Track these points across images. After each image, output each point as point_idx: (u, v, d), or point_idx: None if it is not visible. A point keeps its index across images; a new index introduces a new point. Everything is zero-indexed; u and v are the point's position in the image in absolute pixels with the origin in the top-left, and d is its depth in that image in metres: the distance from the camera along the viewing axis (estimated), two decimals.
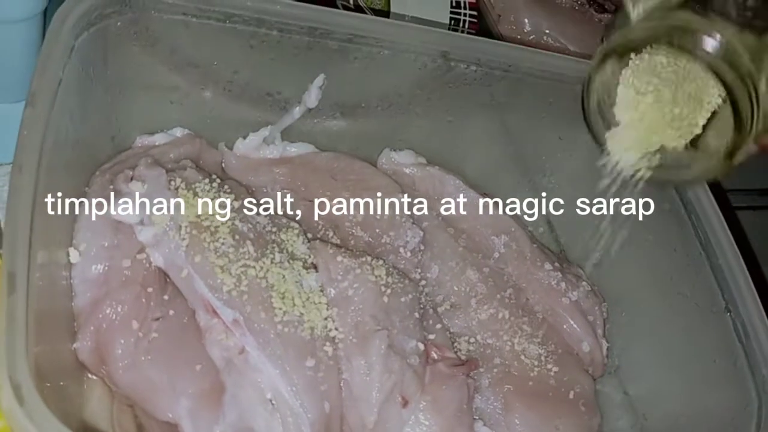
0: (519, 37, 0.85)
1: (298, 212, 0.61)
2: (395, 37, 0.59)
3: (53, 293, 0.48)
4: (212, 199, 0.54)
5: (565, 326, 0.61)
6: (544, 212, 0.71)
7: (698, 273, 0.56)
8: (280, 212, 0.60)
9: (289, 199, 0.61)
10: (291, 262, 0.53)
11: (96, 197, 0.53)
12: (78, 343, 0.48)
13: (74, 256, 0.50)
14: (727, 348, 0.53)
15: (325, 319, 0.52)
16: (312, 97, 0.61)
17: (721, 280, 0.54)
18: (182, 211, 0.52)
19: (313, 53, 0.59)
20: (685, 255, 0.57)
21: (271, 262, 0.52)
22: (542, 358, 0.58)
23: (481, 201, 0.66)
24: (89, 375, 0.50)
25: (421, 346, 0.53)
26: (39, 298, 0.41)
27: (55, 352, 0.47)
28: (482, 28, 0.86)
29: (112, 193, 0.53)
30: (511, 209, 0.70)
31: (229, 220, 0.53)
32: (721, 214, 0.56)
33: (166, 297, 0.52)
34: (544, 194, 0.71)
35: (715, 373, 0.54)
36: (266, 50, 0.58)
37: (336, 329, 0.52)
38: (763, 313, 0.51)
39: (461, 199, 0.66)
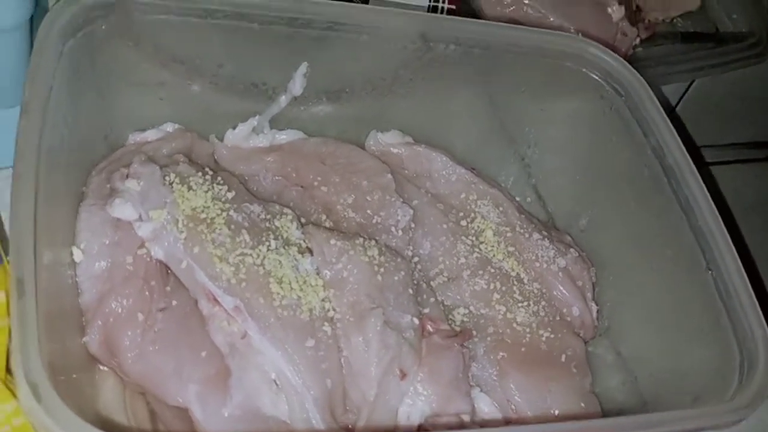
0: (499, 8, 0.86)
1: (292, 198, 0.62)
2: (374, 22, 0.60)
3: (60, 292, 0.50)
4: (206, 192, 0.56)
5: (555, 292, 0.63)
6: (532, 182, 0.73)
7: (679, 234, 0.58)
8: (273, 199, 0.62)
9: (281, 186, 0.63)
10: (286, 247, 0.55)
11: (94, 196, 0.55)
12: (87, 337, 0.50)
13: (77, 255, 0.52)
14: (710, 305, 0.54)
15: (323, 300, 0.54)
16: (297, 85, 0.63)
17: (702, 240, 0.56)
18: (178, 206, 0.54)
19: (294, 42, 0.60)
20: (666, 217, 0.59)
21: (267, 249, 0.54)
22: (534, 325, 0.60)
23: (469, 175, 0.68)
24: (101, 367, 0.52)
25: (416, 321, 0.55)
26: (47, 298, 0.43)
27: (66, 347, 0.49)
28: (463, 1, 0.87)
29: (110, 192, 0.55)
30: (499, 182, 0.72)
31: (224, 211, 0.55)
32: (699, 177, 0.58)
33: (168, 288, 0.53)
34: (530, 165, 0.73)
35: (700, 330, 0.56)
36: (249, 42, 0.60)
37: (333, 310, 0.54)
38: (742, 270, 0.53)
39: (449, 175, 0.68)
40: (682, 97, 1.00)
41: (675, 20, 0.99)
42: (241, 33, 0.59)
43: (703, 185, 0.57)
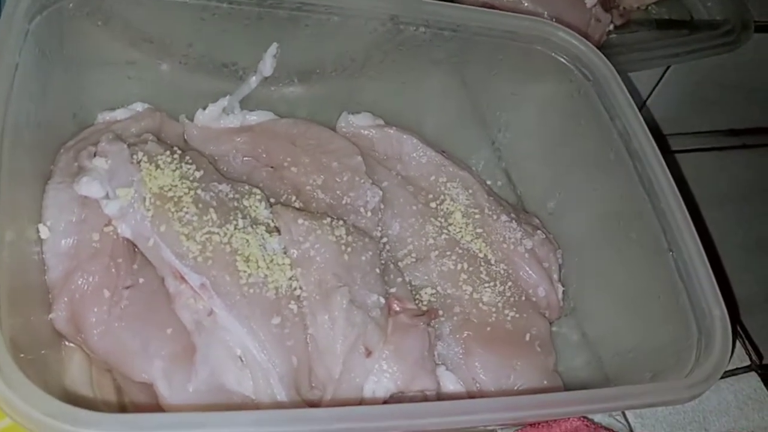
0: None
1: (261, 179, 0.63)
2: (343, 3, 0.61)
3: (26, 269, 0.50)
4: (174, 171, 0.56)
5: (521, 273, 0.64)
6: (502, 166, 0.74)
7: (642, 217, 0.58)
8: (243, 179, 0.62)
9: (251, 167, 0.63)
10: (254, 227, 0.56)
11: (61, 174, 0.55)
12: (54, 314, 0.51)
13: (44, 232, 0.52)
14: (671, 286, 0.55)
15: (290, 279, 0.54)
16: (267, 65, 0.63)
17: (663, 222, 0.57)
18: (146, 184, 0.54)
19: (264, 23, 0.60)
20: (631, 200, 0.60)
21: (235, 228, 0.54)
22: (499, 305, 0.61)
23: (439, 158, 0.68)
24: (67, 343, 0.53)
25: (382, 300, 0.56)
26: (11, 275, 0.44)
27: (32, 323, 0.49)
28: None
29: (77, 170, 0.55)
30: (469, 165, 0.72)
31: (192, 189, 0.55)
32: (663, 161, 0.59)
33: (135, 266, 0.54)
34: (500, 149, 0.73)
35: (661, 310, 0.57)
36: (218, 22, 0.60)
37: (300, 288, 0.54)
38: (702, 252, 0.54)
39: (420, 158, 0.68)
40: (657, 84, 1.00)
41: (650, 7, 1.00)
42: (210, 12, 0.59)
43: (667, 169, 0.58)
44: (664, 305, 0.57)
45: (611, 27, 0.92)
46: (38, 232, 0.52)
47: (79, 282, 0.51)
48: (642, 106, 0.99)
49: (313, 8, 0.60)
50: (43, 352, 0.50)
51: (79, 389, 0.51)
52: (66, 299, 0.51)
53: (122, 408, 0.52)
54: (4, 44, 0.49)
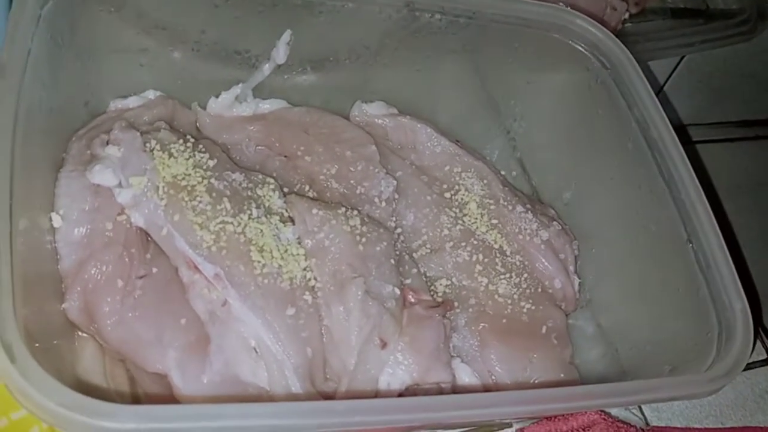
0: None
1: (275, 168, 0.62)
2: None
3: (39, 257, 0.49)
4: (187, 159, 0.55)
5: (537, 265, 0.63)
6: (517, 156, 0.73)
7: (661, 207, 0.58)
8: (256, 168, 0.62)
9: (264, 156, 0.63)
10: (268, 216, 0.55)
11: (74, 162, 0.54)
12: (67, 304, 0.50)
13: (57, 220, 0.51)
14: (690, 278, 0.55)
15: (304, 269, 0.54)
16: (280, 53, 0.62)
17: (683, 213, 0.56)
18: (159, 172, 0.53)
19: (278, 10, 0.60)
20: (649, 191, 0.59)
21: (249, 218, 0.54)
22: (515, 297, 0.60)
23: (454, 147, 0.67)
24: (80, 333, 0.52)
25: (398, 291, 0.55)
26: (24, 263, 0.43)
27: (45, 313, 0.49)
28: None
29: (90, 158, 0.54)
30: (484, 155, 0.72)
31: (205, 178, 0.55)
32: (682, 150, 0.58)
33: (148, 256, 0.53)
34: (515, 138, 0.72)
35: (680, 303, 0.56)
36: (231, 9, 0.59)
37: (314, 279, 0.54)
38: (723, 243, 0.53)
39: (434, 147, 0.67)
40: (671, 74, 0.99)
41: None
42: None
43: (686, 158, 0.57)
44: (683, 298, 0.56)
45: (626, 16, 0.90)
46: (51, 220, 0.51)
47: (93, 271, 0.51)
48: (657, 95, 0.98)
49: None
50: (56, 342, 0.50)
51: (92, 380, 0.51)
52: (79, 289, 0.50)
53: (135, 399, 0.52)
54: (16, 29, 0.48)
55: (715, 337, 0.52)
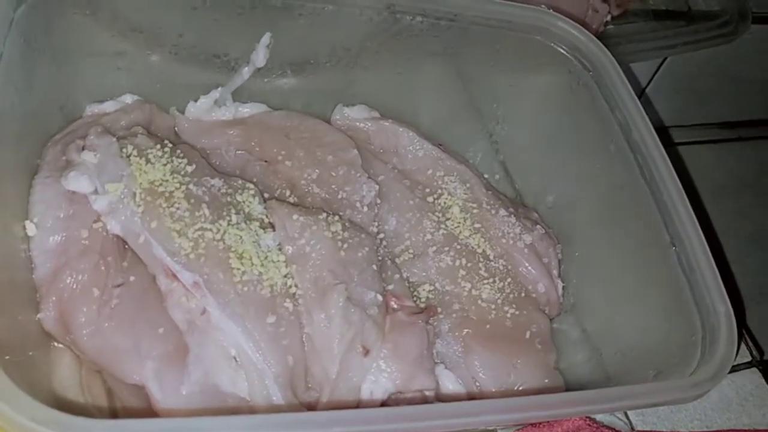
0: None
1: (255, 173, 0.61)
2: None
3: (13, 266, 0.48)
4: (165, 165, 0.54)
5: (521, 269, 0.63)
6: (500, 159, 0.72)
7: (644, 210, 0.57)
8: (236, 173, 0.61)
9: (244, 160, 0.62)
10: (248, 222, 0.54)
11: (49, 168, 0.53)
12: (42, 314, 0.49)
13: (31, 229, 0.50)
14: (674, 281, 0.54)
15: (285, 276, 0.53)
16: (260, 56, 0.61)
17: (666, 215, 0.56)
18: (136, 179, 0.52)
19: (257, 13, 0.59)
20: (632, 193, 0.59)
21: (228, 224, 0.53)
22: (499, 301, 0.59)
23: (436, 151, 0.67)
24: (56, 344, 0.51)
25: (380, 297, 0.54)
26: None
27: (19, 323, 0.48)
28: None
29: (65, 164, 0.53)
30: (466, 158, 0.71)
31: (183, 184, 0.54)
32: (664, 153, 0.57)
33: (125, 264, 0.52)
34: (498, 141, 0.72)
35: (663, 306, 0.56)
36: (209, 11, 0.58)
37: (295, 285, 0.53)
38: (706, 246, 0.53)
39: (416, 151, 0.67)
40: (653, 76, 0.99)
41: None
42: (201, 1, 0.57)
43: (669, 161, 0.57)
44: (667, 301, 0.55)
45: (608, 18, 0.90)
46: (25, 229, 0.50)
47: (68, 280, 0.50)
48: (639, 97, 0.98)
49: None
50: (30, 353, 0.48)
51: (68, 392, 0.50)
52: (54, 298, 0.49)
53: (113, 411, 0.51)
54: None
55: (699, 341, 0.51)
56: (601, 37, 0.89)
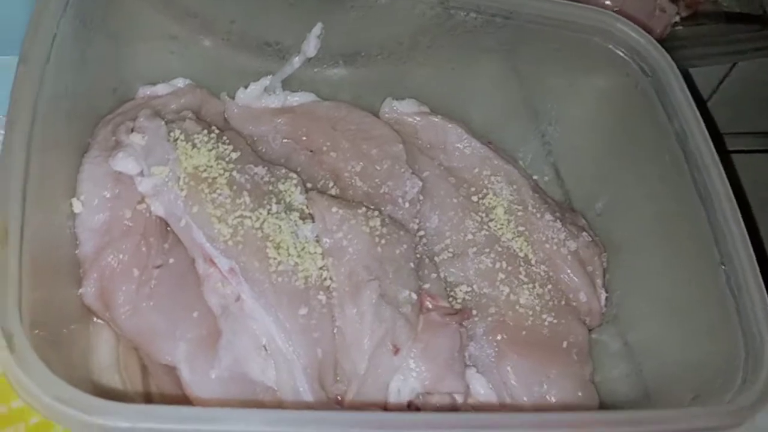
0: None
1: (300, 162, 0.61)
2: None
3: (56, 243, 0.50)
4: (210, 150, 0.55)
5: (563, 276, 0.61)
6: (551, 160, 0.71)
7: (695, 226, 0.55)
8: (281, 161, 0.61)
9: (290, 149, 0.62)
10: (288, 212, 0.54)
11: (99, 148, 0.54)
12: (83, 289, 0.50)
13: (77, 206, 0.51)
14: (720, 301, 0.52)
15: (320, 268, 0.53)
16: (311, 46, 0.61)
17: (718, 233, 0.54)
18: (181, 163, 0.53)
19: (309, 2, 0.59)
20: (684, 207, 0.57)
21: (268, 213, 0.53)
22: (537, 308, 0.58)
23: (485, 150, 0.66)
24: (95, 319, 0.52)
25: (414, 296, 0.54)
26: (38, 248, 0.43)
27: (60, 298, 0.49)
28: None
29: (114, 145, 0.54)
30: (516, 158, 0.70)
31: (227, 171, 0.54)
32: (721, 169, 0.55)
33: (166, 245, 0.53)
34: (550, 142, 0.70)
35: (708, 325, 0.54)
36: (261, 0, 0.58)
37: (330, 279, 0.53)
38: (757, 269, 0.51)
39: (464, 148, 0.66)
40: (722, 81, 0.95)
41: None
42: None
43: (725, 176, 0.55)
44: (712, 321, 0.54)
45: (677, 18, 0.87)
46: (71, 206, 0.51)
47: (110, 259, 0.51)
48: (704, 103, 0.94)
49: None
50: (71, 327, 0.50)
51: (104, 368, 0.51)
52: (96, 275, 0.50)
53: (146, 389, 0.52)
54: (42, 14, 0.48)
55: (741, 365, 0.49)
56: (668, 38, 0.87)
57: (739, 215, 0.53)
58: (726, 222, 0.53)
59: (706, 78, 0.94)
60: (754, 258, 0.52)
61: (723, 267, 0.53)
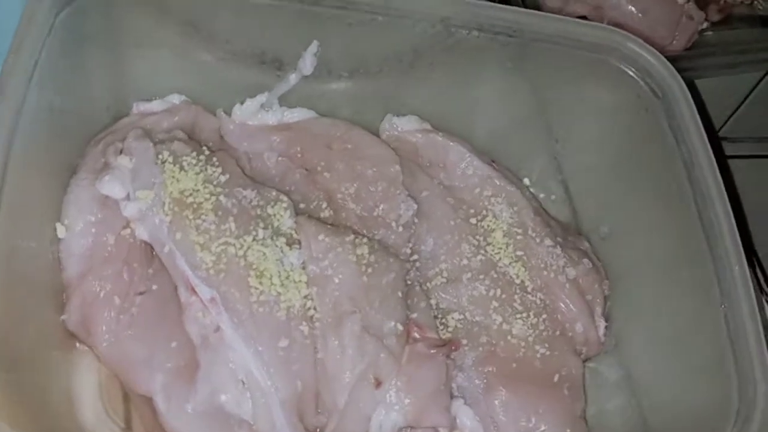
0: None
1: (295, 181, 0.60)
2: (390, 3, 0.56)
3: (40, 266, 0.50)
4: (198, 174, 0.54)
5: (560, 305, 0.59)
6: (558, 178, 0.68)
7: (698, 261, 0.53)
8: (276, 180, 0.60)
9: (285, 167, 0.61)
10: (275, 238, 0.53)
11: (86, 170, 0.54)
12: (65, 315, 0.51)
13: (61, 231, 0.52)
14: (718, 344, 0.50)
15: (304, 297, 0.52)
16: (307, 64, 0.60)
17: (720, 271, 0.51)
18: (167, 187, 0.53)
19: (307, 20, 0.57)
20: (688, 240, 0.54)
21: (253, 239, 0.52)
22: (530, 339, 0.57)
23: (487, 169, 0.64)
24: (78, 345, 0.52)
25: (400, 327, 0.53)
26: (11, 272, 0.43)
27: (43, 322, 0.50)
28: None
29: (103, 166, 0.54)
30: (522, 176, 0.68)
31: (214, 195, 0.53)
32: (728, 204, 0.53)
33: (151, 271, 0.53)
34: (557, 160, 0.68)
35: (704, 366, 0.52)
36: (260, 16, 0.57)
37: (314, 309, 0.52)
38: (757, 315, 0.49)
39: (465, 168, 0.64)
40: (753, 89, 0.91)
41: (756, 2, 0.90)
42: (251, 5, 0.56)
43: (731, 213, 0.52)
44: (707, 361, 0.52)
45: (705, 25, 0.83)
46: (56, 230, 0.51)
47: (91, 286, 0.51)
48: (735, 111, 0.90)
49: (355, 7, 0.56)
50: (54, 352, 0.50)
51: (86, 393, 0.51)
52: (78, 302, 0.51)
53: (128, 415, 0.52)
54: (27, 31, 0.47)
55: (733, 413, 0.47)
56: (698, 45, 0.83)
57: (742, 252, 0.51)
58: (729, 261, 0.51)
59: (737, 86, 0.90)
60: (755, 300, 0.49)
61: (723, 306, 0.50)
